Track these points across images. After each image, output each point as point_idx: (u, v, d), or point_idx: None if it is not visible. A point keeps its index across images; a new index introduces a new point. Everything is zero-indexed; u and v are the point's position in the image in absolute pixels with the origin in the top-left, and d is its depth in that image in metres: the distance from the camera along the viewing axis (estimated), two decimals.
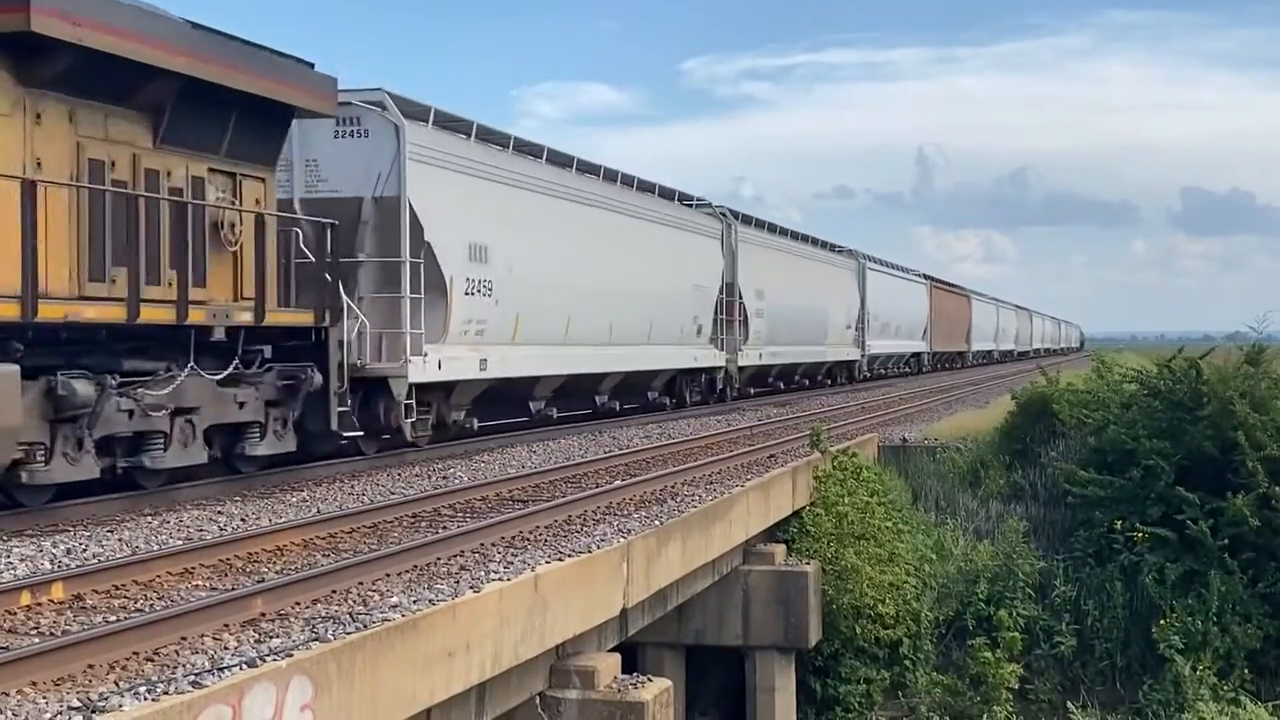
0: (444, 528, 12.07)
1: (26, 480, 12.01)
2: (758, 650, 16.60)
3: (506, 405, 23.07)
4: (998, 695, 17.63)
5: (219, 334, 14.31)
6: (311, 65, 16.04)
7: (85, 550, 10.61)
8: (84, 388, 12.21)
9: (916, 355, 62.18)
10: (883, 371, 55.86)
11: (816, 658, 17.86)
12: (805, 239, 44.40)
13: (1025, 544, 19.44)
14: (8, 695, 6.41)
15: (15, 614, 8.35)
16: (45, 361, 12.11)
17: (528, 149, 23.68)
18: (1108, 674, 18.38)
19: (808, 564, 17.05)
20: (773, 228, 40.60)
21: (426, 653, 8.05)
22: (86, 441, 12.50)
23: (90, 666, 6.96)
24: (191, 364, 13.87)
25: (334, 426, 15.93)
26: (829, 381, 46.51)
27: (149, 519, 12.47)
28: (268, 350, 15.33)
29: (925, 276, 65.92)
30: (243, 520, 12.46)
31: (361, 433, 16.89)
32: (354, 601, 8.83)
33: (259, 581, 9.31)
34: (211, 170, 14.73)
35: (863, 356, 49.63)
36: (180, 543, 10.97)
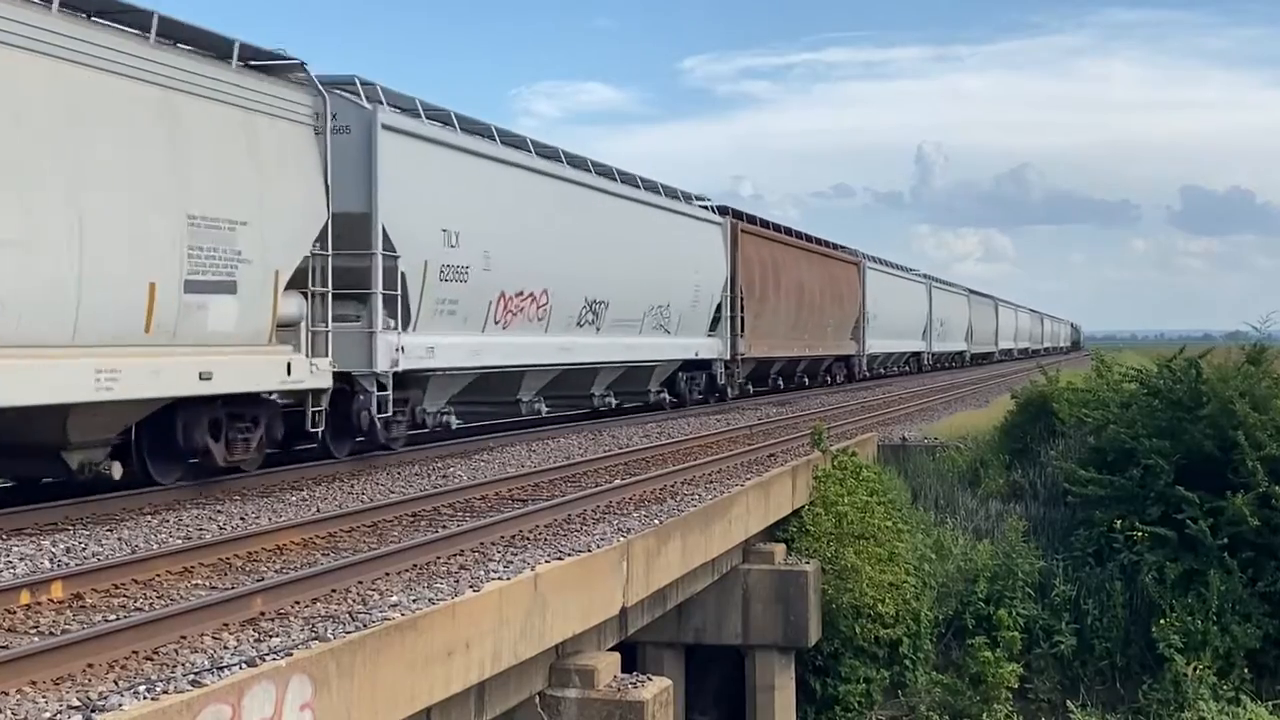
0: (443, 527, 12.06)
1: None
2: (757, 649, 16.61)
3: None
4: (997, 694, 17.64)
5: None
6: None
7: (85, 549, 10.60)
8: None
9: (704, 368, 31.55)
10: (607, 405, 26.24)
11: (816, 657, 17.87)
12: None
13: (1025, 543, 19.45)
14: (7, 694, 6.41)
15: (14, 613, 8.34)
16: None
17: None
18: (1107, 673, 18.38)
19: (807, 563, 17.05)
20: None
21: (426, 652, 8.05)
22: None
23: (90, 665, 6.97)
24: None
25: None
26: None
27: (148, 518, 12.46)
28: None
29: (721, 209, 33.99)
30: (242, 519, 12.44)
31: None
32: (354, 600, 8.83)
33: (258, 580, 9.31)
34: None
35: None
36: (180, 542, 10.96)
